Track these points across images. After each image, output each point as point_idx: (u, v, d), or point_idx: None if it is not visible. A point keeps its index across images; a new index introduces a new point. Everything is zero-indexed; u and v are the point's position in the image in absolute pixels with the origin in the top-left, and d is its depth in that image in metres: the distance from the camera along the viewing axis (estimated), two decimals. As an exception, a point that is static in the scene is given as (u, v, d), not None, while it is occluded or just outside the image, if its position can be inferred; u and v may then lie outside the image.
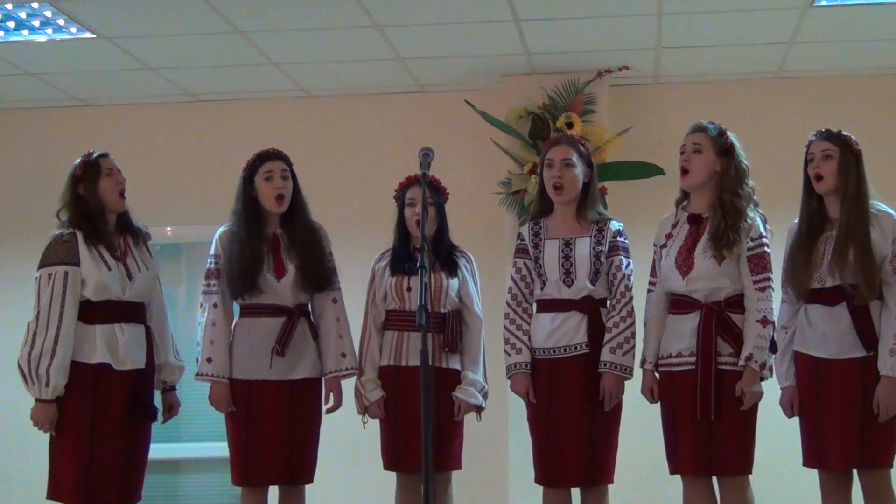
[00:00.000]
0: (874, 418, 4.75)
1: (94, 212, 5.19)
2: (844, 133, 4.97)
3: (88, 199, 5.19)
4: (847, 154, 4.91)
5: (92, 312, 5.12)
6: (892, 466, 4.84)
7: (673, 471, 5.06)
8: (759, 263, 4.95)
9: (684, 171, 5.07)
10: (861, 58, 7.41)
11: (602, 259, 5.16)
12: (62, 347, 5.04)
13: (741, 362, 4.87)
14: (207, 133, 8.19)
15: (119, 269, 5.16)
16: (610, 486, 5.21)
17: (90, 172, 5.20)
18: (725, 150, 5.04)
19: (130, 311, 5.19)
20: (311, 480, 5.39)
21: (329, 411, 5.41)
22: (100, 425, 5.07)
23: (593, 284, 5.14)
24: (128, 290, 5.17)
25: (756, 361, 4.86)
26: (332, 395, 5.39)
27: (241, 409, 5.30)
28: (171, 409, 5.41)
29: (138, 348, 5.18)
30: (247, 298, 5.32)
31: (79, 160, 5.27)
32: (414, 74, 7.68)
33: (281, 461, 5.26)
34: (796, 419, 4.99)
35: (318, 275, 5.36)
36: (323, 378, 5.40)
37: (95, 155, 5.26)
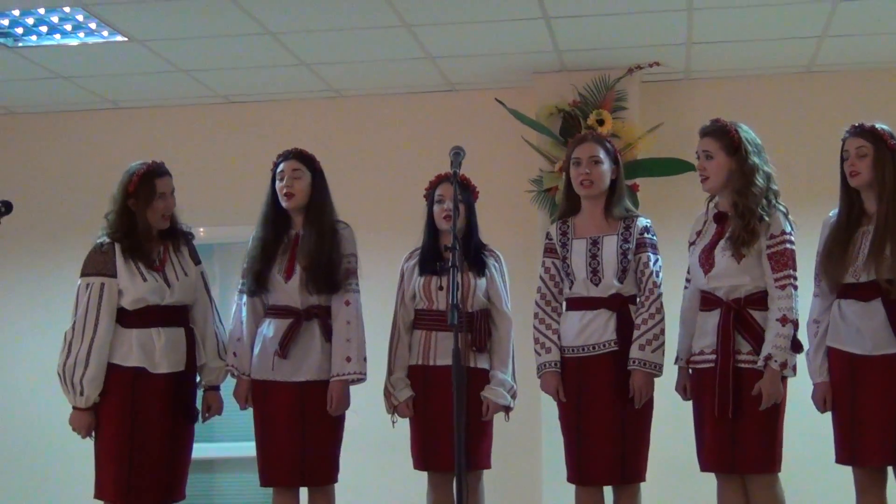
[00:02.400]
0: (910, 414, 4.71)
1: (139, 226, 5.25)
2: (878, 127, 4.90)
3: (136, 214, 5.24)
4: (882, 149, 4.85)
5: (130, 317, 5.20)
6: (928, 462, 4.81)
7: (700, 468, 5.05)
8: (780, 261, 4.90)
9: (703, 179, 5.06)
10: (893, 51, 7.35)
11: (629, 256, 5.15)
12: (95, 358, 5.13)
13: (760, 362, 4.83)
14: (239, 134, 8.22)
15: (157, 280, 5.22)
16: (642, 484, 5.19)
17: (144, 192, 5.23)
18: (735, 147, 4.99)
19: (170, 315, 5.25)
20: (329, 482, 5.38)
21: (331, 413, 5.30)
22: (139, 426, 5.13)
23: (621, 282, 5.13)
24: (167, 297, 5.23)
25: (776, 361, 4.81)
26: (332, 397, 5.27)
27: (257, 409, 5.37)
28: (210, 408, 5.43)
29: (176, 351, 5.23)
30: (262, 297, 5.39)
31: (137, 170, 5.26)
32: (444, 73, 7.68)
33: (292, 462, 5.27)
34: (827, 415, 4.96)
35: (325, 277, 5.29)
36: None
37: (155, 172, 5.27)
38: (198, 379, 5.43)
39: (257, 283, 5.35)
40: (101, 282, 5.18)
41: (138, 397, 5.15)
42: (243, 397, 5.39)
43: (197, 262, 5.46)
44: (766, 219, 4.93)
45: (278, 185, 5.38)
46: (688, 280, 5.21)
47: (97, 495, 5.23)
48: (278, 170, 5.41)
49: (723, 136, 5.01)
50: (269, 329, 5.35)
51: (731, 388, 4.84)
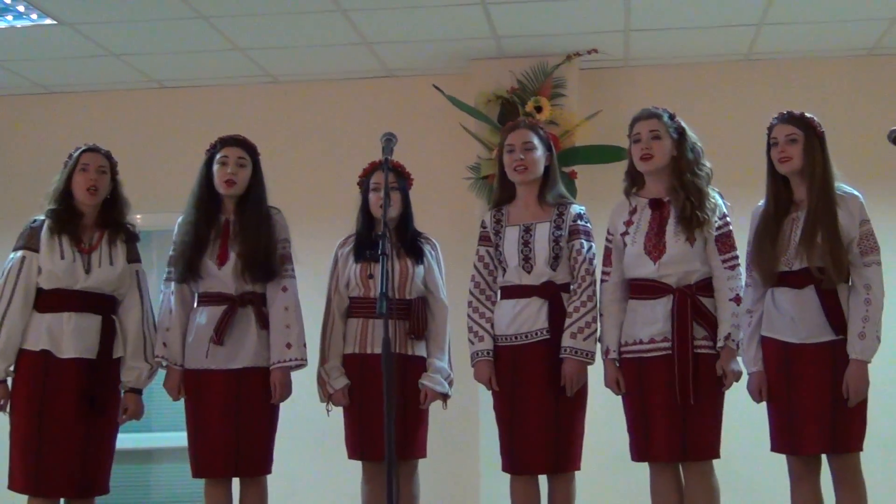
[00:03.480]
0: (845, 402, 4.71)
1: (73, 203, 5.23)
2: (807, 115, 4.93)
3: (72, 190, 5.24)
4: (811, 136, 4.87)
5: (44, 301, 5.15)
6: (861, 450, 4.80)
7: (639, 458, 5.03)
8: (727, 243, 4.96)
9: (647, 157, 5.03)
10: (830, 39, 7.38)
11: (562, 243, 5.13)
12: (6, 330, 5.10)
13: (720, 342, 4.86)
14: (174, 120, 8.13)
15: (77, 261, 5.15)
16: (577, 473, 5.18)
17: (70, 166, 5.25)
18: (679, 133, 5.04)
19: (84, 301, 5.15)
20: (263, 472, 5.32)
21: (275, 402, 5.28)
22: (48, 414, 5.05)
23: (553, 269, 5.11)
24: (81, 281, 5.14)
25: (734, 340, 4.86)
26: (276, 385, 5.24)
27: (190, 399, 5.28)
28: (126, 410, 5.26)
29: (86, 338, 5.13)
30: (193, 284, 5.31)
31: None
32: (381, 59, 7.62)
33: (227, 453, 5.20)
34: (762, 404, 4.95)
35: (262, 264, 5.25)
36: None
37: (81, 150, 5.30)
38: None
39: (189, 269, 5.26)
40: (23, 255, 5.17)
41: (48, 384, 5.07)
42: (175, 388, 5.29)
43: (133, 260, 5.35)
44: (713, 201, 4.99)
45: (220, 170, 5.30)
46: (606, 273, 5.16)
47: (9, 485, 5.13)
48: (220, 155, 5.33)
49: (671, 121, 5.06)
50: (202, 317, 5.28)
51: (691, 375, 4.84)
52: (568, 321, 5.05)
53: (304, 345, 5.30)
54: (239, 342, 5.24)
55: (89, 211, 5.26)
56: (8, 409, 5.14)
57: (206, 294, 5.30)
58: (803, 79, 7.58)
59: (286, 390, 5.28)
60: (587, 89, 7.60)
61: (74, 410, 5.07)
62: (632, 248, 5.06)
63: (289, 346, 5.24)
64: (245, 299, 5.27)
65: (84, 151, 5.28)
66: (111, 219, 5.31)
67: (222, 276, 5.24)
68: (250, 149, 5.39)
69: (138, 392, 5.30)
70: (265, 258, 5.25)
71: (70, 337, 5.09)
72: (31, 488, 5.06)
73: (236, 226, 5.31)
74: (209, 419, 5.21)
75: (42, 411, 5.04)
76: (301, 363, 5.28)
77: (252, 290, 5.28)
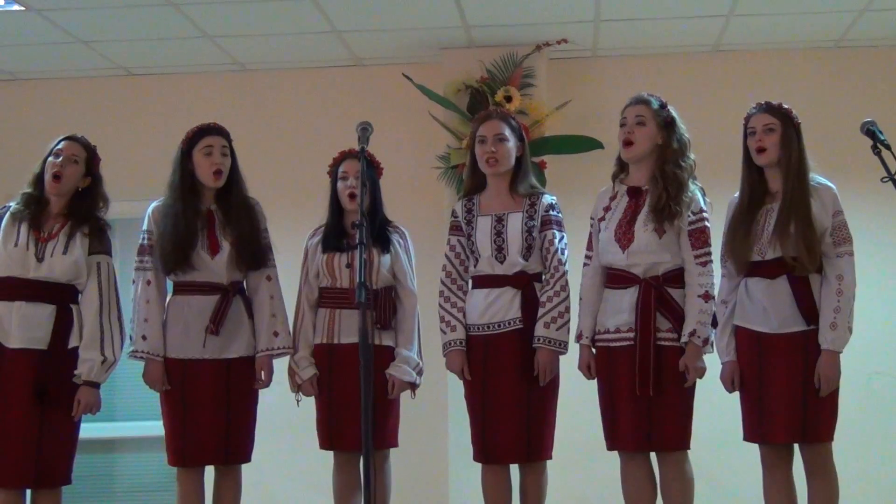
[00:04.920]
0: (816, 392, 4.75)
1: (43, 190, 5.20)
2: (785, 106, 4.95)
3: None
4: (788, 127, 4.90)
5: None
6: (833, 440, 4.84)
7: (611, 447, 5.04)
8: (700, 238, 4.93)
9: (628, 143, 5.03)
10: (798, 31, 7.42)
11: (534, 234, 5.14)
12: None
13: (684, 338, 4.86)
14: (141, 108, 8.07)
15: (30, 248, 5.10)
16: (549, 462, 5.19)
17: (47, 152, 5.22)
18: (667, 122, 5.02)
19: (38, 291, 5.09)
20: (247, 460, 5.34)
21: (261, 388, 5.33)
22: (1, 404, 5.01)
23: (526, 259, 5.12)
24: (32, 270, 5.09)
25: (699, 337, 4.84)
26: (262, 372, 5.29)
27: (175, 389, 5.24)
28: (79, 403, 5.12)
29: (36, 328, 5.07)
30: (179, 274, 5.25)
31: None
32: (350, 48, 7.59)
33: (217, 441, 5.20)
34: (736, 394, 4.98)
35: (254, 252, 5.28)
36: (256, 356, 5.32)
37: (62, 137, 5.28)
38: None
39: (181, 260, 5.20)
40: None
41: (2, 373, 5.03)
42: (159, 380, 5.23)
43: (96, 252, 5.23)
44: (690, 195, 4.97)
45: (205, 160, 5.25)
46: (588, 257, 5.18)
47: None
48: (202, 144, 5.27)
49: (660, 109, 5.04)
50: (192, 306, 5.24)
51: (651, 366, 4.85)
52: (541, 311, 5.06)
53: (290, 333, 5.35)
54: (233, 332, 5.26)
55: (56, 199, 5.21)
56: None
57: (192, 284, 5.24)
58: (771, 70, 7.62)
59: (271, 377, 5.32)
60: (556, 79, 7.60)
61: (26, 401, 5.00)
62: (604, 235, 5.07)
63: (276, 334, 5.29)
64: (235, 288, 5.28)
65: (63, 139, 5.25)
66: (79, 210, 5.24)
67: (215, 265, 5.23)
68: (229, 137, 5.37)
69: (94, 385, 5.15)
70: (257, 246, 5.30)
71: (18, 326, 5.04)
72: None
73: (222, 215, 5.29)
74: (199, 408, 5.19)
75: None
76: (288, 350, 5.34)
77: (239, 279, 5.31)
